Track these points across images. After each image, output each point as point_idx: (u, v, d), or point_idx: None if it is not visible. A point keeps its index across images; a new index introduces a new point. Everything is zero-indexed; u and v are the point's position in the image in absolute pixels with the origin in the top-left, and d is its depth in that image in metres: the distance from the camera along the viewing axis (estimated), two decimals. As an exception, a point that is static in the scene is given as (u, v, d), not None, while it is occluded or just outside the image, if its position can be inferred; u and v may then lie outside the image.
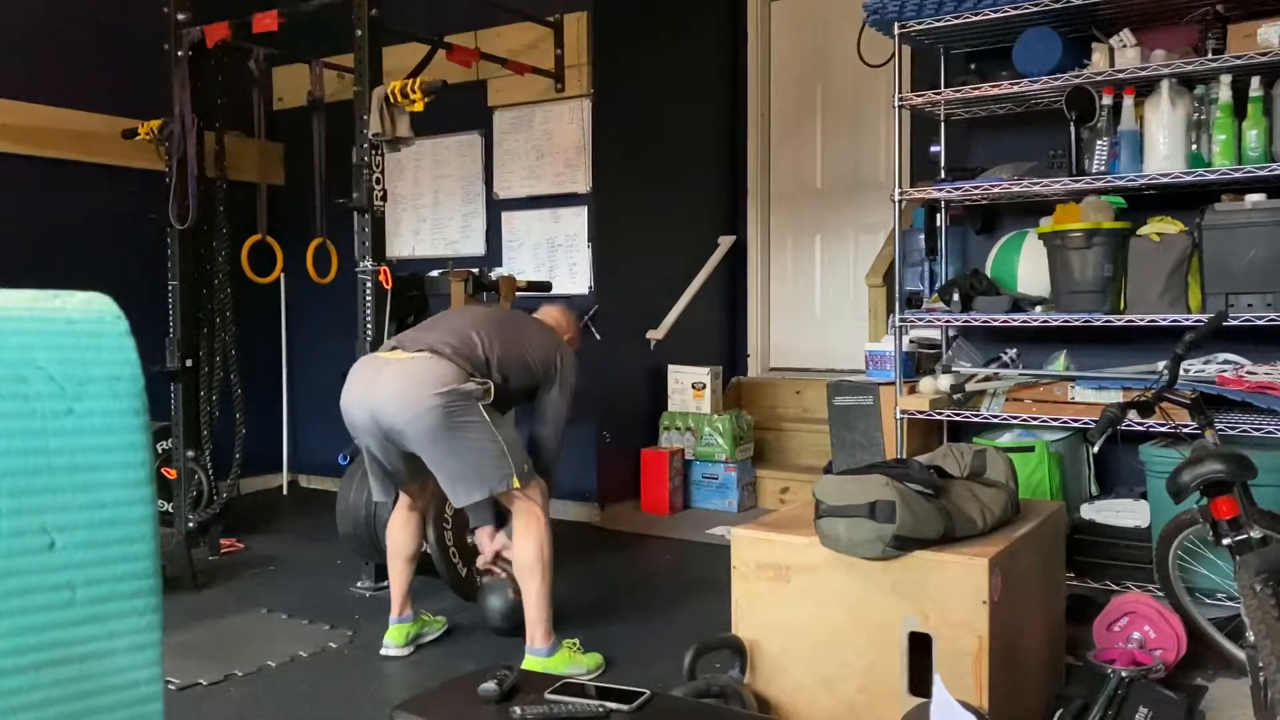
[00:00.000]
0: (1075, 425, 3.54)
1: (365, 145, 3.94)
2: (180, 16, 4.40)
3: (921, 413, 3.66)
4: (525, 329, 3.33)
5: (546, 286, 4.81)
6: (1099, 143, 3.37)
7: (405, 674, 3.20)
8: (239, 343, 4.72)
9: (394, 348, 3.14)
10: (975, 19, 3.51)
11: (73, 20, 5.02)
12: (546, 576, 3.06)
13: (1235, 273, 3.21)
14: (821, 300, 6.15)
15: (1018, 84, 3.48)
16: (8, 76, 4.77)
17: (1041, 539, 2.65)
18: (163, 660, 0.94)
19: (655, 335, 5.52)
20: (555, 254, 5.24)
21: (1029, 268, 3.69)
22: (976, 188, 3.64)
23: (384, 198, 4.00)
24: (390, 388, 2.99)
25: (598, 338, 5.10)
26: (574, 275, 5.21)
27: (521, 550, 3.07)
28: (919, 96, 3.75)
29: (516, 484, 3.01)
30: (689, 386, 5.42)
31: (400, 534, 3.34)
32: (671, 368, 5.48)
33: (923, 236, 4.12)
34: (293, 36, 4.60)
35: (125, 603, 0.90)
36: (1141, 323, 3.34)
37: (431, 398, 2.92)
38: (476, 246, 5.50)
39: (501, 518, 3.29)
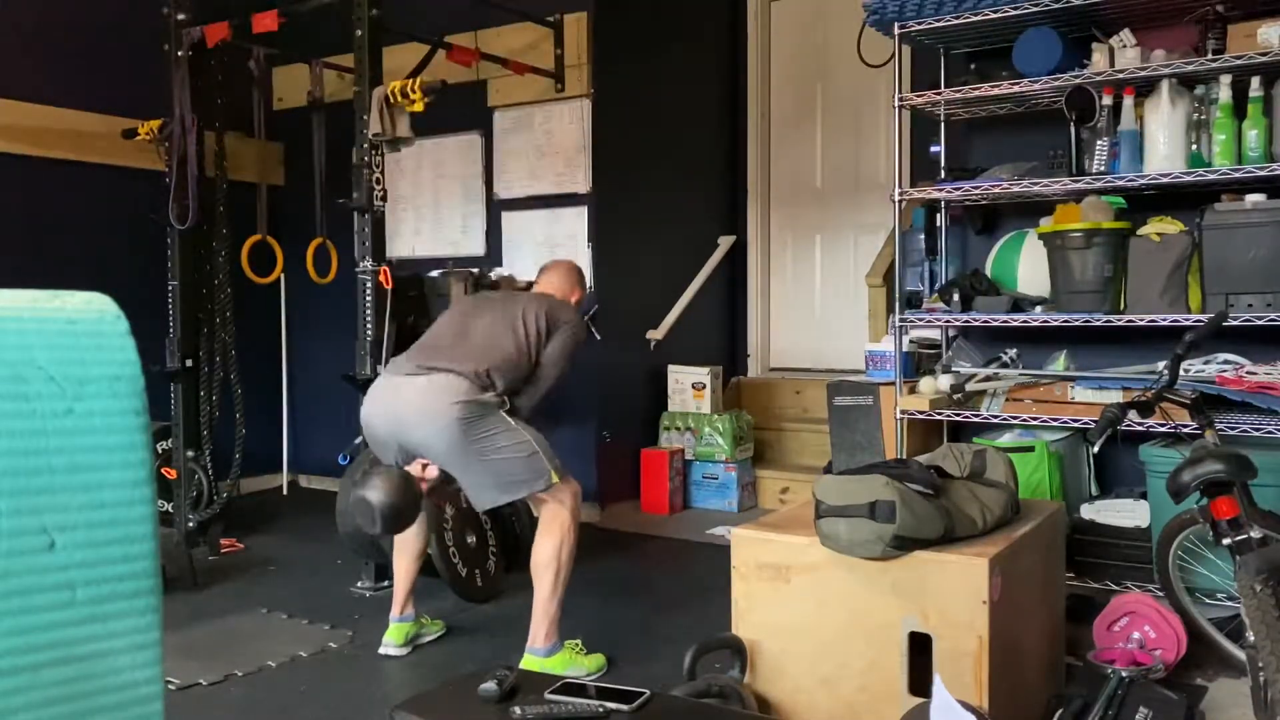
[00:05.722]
0: (1075, 425, 3.53)
1: (365, 145, 3.94)
2: (180, 16, 4.41)
3: (921, 413, 3.66)
4: (523, 318, 3.22)
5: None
6: (1099, 143, 3.37)
7: (405, 674, 3.20)
8: (239, 343, 4.73)
9: (409, 373, 3.12)
10: (975, 19, 3.50)
11: (73, 20, 5.02)
12: (559, 579, 3.05)
13: (1235, 273, 3.20)
14: (821, 300, 6.14)
15: (1018, 84, 3.48)
16: (8, 76, 4.77)
17: (1041, 539, 2.65)
18: (163, 660, 0.94)
19: (655, 335, 5.52)
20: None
21: (1029, 268, 3.69)
22: (976, 188, 3.64)
23: (384, 198, 4.00)
24: (412, 402, 3.03)
25: (598, 338, 5.09)
26: (574, 275, 5.20)
27: (539, 547, 3.07)
28: (919, 96, 3.75)
29: (555, 479, 3.03)
30: (689, 386, 5.42)
31: (409, 530, 3.32)
32: (671, 368, 5.48)
33: (923, 236, 4.11)
34: (293, 36, 4.60)
35: (125, 603, 0.90)
36: (1141, 323, 3.34)
37: (451, 407, 2.96)
38: (476, 246, 5.50)
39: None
